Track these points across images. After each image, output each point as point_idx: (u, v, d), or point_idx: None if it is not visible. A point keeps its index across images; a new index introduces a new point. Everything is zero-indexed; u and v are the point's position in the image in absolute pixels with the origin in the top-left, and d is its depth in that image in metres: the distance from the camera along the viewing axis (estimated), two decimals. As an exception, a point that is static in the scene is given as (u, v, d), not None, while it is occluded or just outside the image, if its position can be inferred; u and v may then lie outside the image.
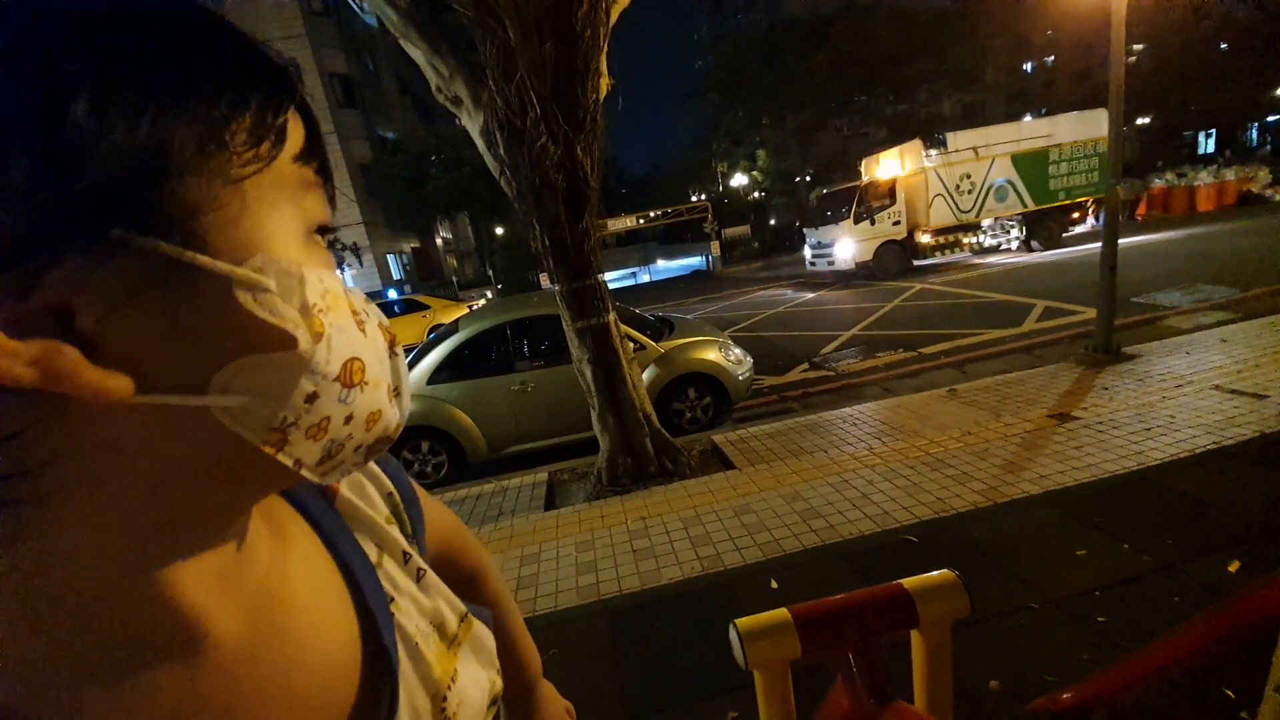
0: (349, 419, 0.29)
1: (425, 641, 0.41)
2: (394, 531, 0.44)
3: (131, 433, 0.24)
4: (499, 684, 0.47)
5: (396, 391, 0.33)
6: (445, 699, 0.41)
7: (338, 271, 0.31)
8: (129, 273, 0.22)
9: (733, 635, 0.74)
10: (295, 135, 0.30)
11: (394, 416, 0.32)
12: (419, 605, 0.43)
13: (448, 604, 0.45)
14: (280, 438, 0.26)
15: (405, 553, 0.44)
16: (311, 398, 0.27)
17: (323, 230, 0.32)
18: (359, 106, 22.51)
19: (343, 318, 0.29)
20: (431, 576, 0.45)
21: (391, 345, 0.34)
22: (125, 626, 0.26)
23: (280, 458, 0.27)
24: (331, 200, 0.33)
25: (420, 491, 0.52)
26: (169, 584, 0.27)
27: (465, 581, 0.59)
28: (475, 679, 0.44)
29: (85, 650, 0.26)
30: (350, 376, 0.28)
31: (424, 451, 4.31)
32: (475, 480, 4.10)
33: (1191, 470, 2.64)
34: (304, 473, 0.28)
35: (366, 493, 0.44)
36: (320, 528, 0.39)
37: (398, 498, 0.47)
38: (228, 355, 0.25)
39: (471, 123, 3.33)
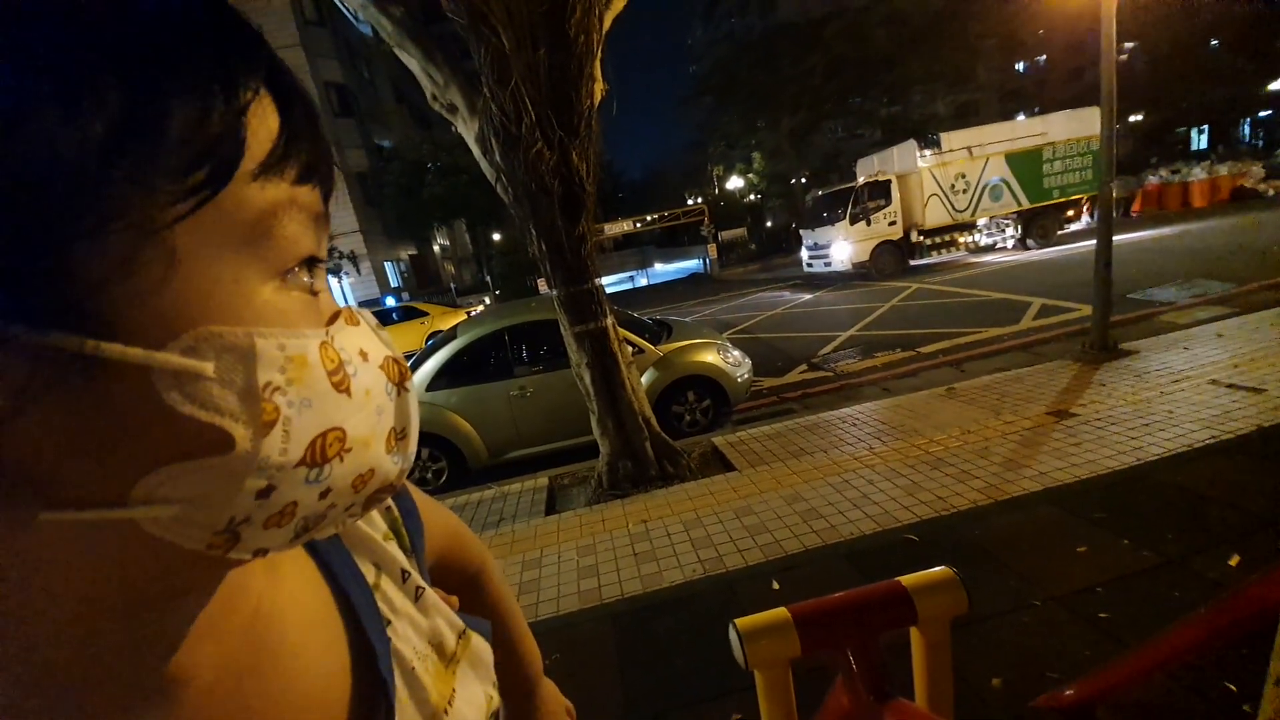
0: (326, 493, 0.25)
1: (422, 664, 0.40)
2: (392, 548, 0.42)
3: (45, 543, 0.20)
4: (496, 699, 0.46)
5: (402, 434, 0.29)
6: None
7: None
8: (15, 374, 0.18)
9: (732, 635, 0.74)
10: (263, 133, 0.22)
11: (394, 468, 0.28)
12: (416, 626, 0.41)
13: (446, 622, 0.44)
14: (229, 539, 0.22)
15: (404, 571, 0.42)
16: (266, 492, 0.22)
17: (313, 262, 0.26)
18: (355, 115, 22.58)
19: (312, 386, 0.23)
20: (430, 595, 0.43)
21: (401, 382, 0.29)
22: (91, 689, 0.24)
23: (233, 556, 0.23)
24: (325, 213, 0.27)
25: (420, 498, 0.51)
26: (135, 653, 0.24)
27: (467, 584, 0.59)
28: (472, 697, 0.43)
29: (59, 708, 0.24)
30: (321, 453, 0.24)
31: (424, 458, 4.31)
32: (476, 486, 4.09)
33: (1190, 465, 2.64)
34: (274, 552, 0.25)
35: None
36: (315, 549, 0.37)
37: (396, 511, 0.45)
38: (149, 462, 0.20)
39: (467, 130, 3.35)
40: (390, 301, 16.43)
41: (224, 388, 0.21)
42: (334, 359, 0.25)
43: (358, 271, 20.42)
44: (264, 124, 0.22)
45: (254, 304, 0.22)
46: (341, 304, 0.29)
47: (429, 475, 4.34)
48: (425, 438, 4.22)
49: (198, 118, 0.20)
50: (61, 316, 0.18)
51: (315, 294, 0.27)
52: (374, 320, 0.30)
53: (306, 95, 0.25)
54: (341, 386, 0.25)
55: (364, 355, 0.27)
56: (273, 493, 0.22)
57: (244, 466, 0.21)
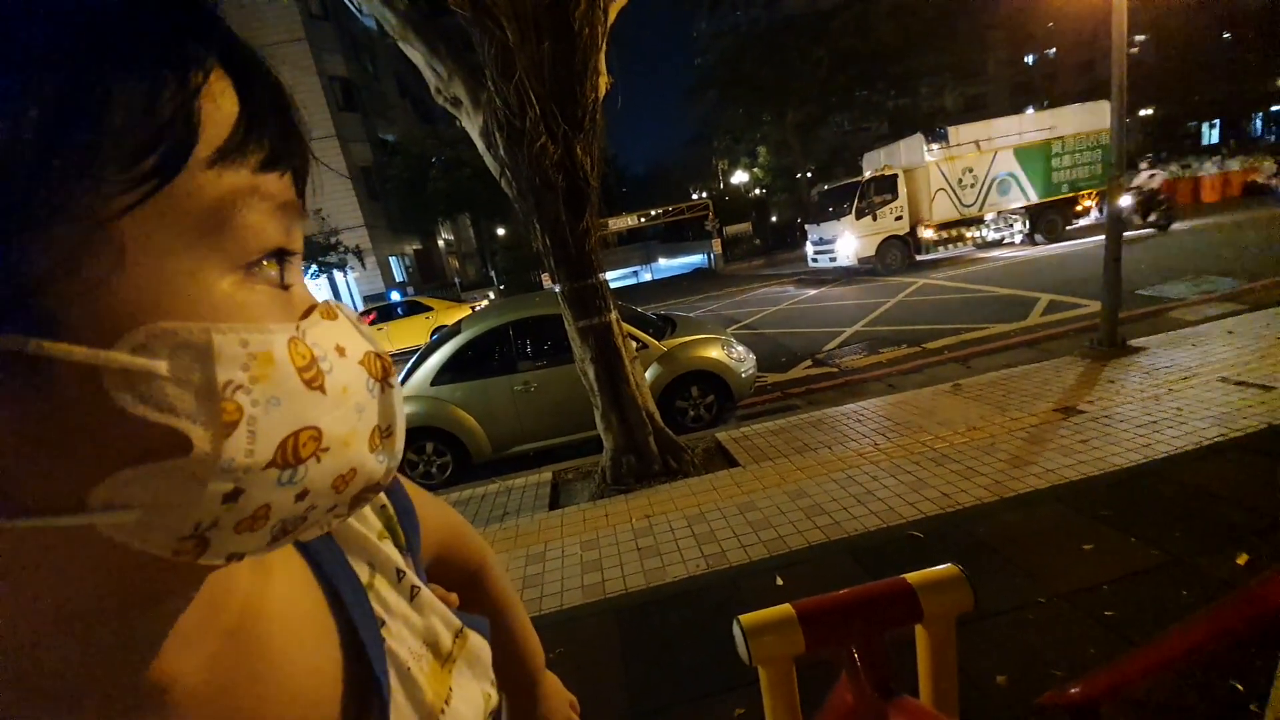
0: (303, 495, 0.24)
1: (418, 664, 0.39)
2: (387, 547, 0.41)
3: (7, 549, 0.19)
4: (494, 697, 0.45)
5: (387, 432, 0.28)
6: None
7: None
8: None
9: (737, 631, 0.74)
10: (219, 117, 0.21)
11: (379, 467, 0.27)
12: (411, 626, 0.41)
13: (442, 620, 0.43)
14: (197, 544, 0.21)
15: (399, 570, 0.41)
16: (233, 495, 0.21)
17: (282, 254, 0.25)
18: (359, 109, 22.55)
19: (280, 384, 0.22)
20: (426, 594, 0.43)
21: (384, 378, 0.28)
22: (79, 696, 0.23)
23: (204, 562, 0.22)
24: (301, 195, 0.25)
25: (417, 495, 0.50)
26: (119, 658, 0.24)
27: (467, 581, 0.59)
28: (469, 696, 0.42)
29: (49, 715, 0.23)
30: (295, 454, 0.22)
31: (428, 452, 4.32)
32: (480, 480, 4.11)
33: (1199, 463, 2.62)
34: (250, 557, 0.24)
35: None
36: (307, 549, 0.36)
37: (391, 510, 0.44)
38: (105, 466, 0.19)
39: (471, 124, 3.33)
40: (395, 296, 16.49)
41: (179, 387, 0.19)
42: (305, 355, 0.24)
43: (363, 266, 20.46)
44: (220, 107, 0.21)
45: (212, 298, 0.21)
46: (326, 299, 0.28)
47: (434, 469, 4.36)
48: (430, 432, 4.25)
49: (145, 101, 0.19)
50: (1, 315, 0.17)
51: (286, 287, 0.25)
52: (354, 314, 0.29)
53: (272, 77, 0.24)
54: (315, 384, 0.24)
55: (341, 351, 0.26)
56: (241, 496, 0.21)
57: (204, 469, 0.20)
